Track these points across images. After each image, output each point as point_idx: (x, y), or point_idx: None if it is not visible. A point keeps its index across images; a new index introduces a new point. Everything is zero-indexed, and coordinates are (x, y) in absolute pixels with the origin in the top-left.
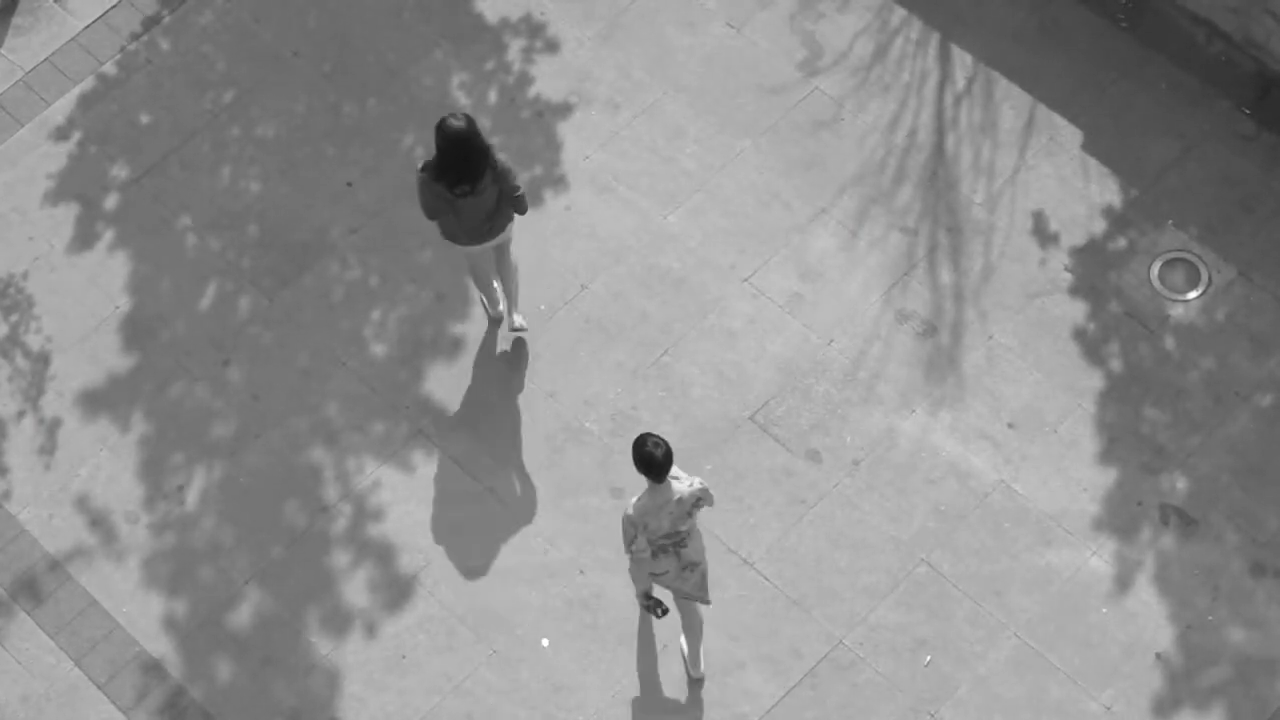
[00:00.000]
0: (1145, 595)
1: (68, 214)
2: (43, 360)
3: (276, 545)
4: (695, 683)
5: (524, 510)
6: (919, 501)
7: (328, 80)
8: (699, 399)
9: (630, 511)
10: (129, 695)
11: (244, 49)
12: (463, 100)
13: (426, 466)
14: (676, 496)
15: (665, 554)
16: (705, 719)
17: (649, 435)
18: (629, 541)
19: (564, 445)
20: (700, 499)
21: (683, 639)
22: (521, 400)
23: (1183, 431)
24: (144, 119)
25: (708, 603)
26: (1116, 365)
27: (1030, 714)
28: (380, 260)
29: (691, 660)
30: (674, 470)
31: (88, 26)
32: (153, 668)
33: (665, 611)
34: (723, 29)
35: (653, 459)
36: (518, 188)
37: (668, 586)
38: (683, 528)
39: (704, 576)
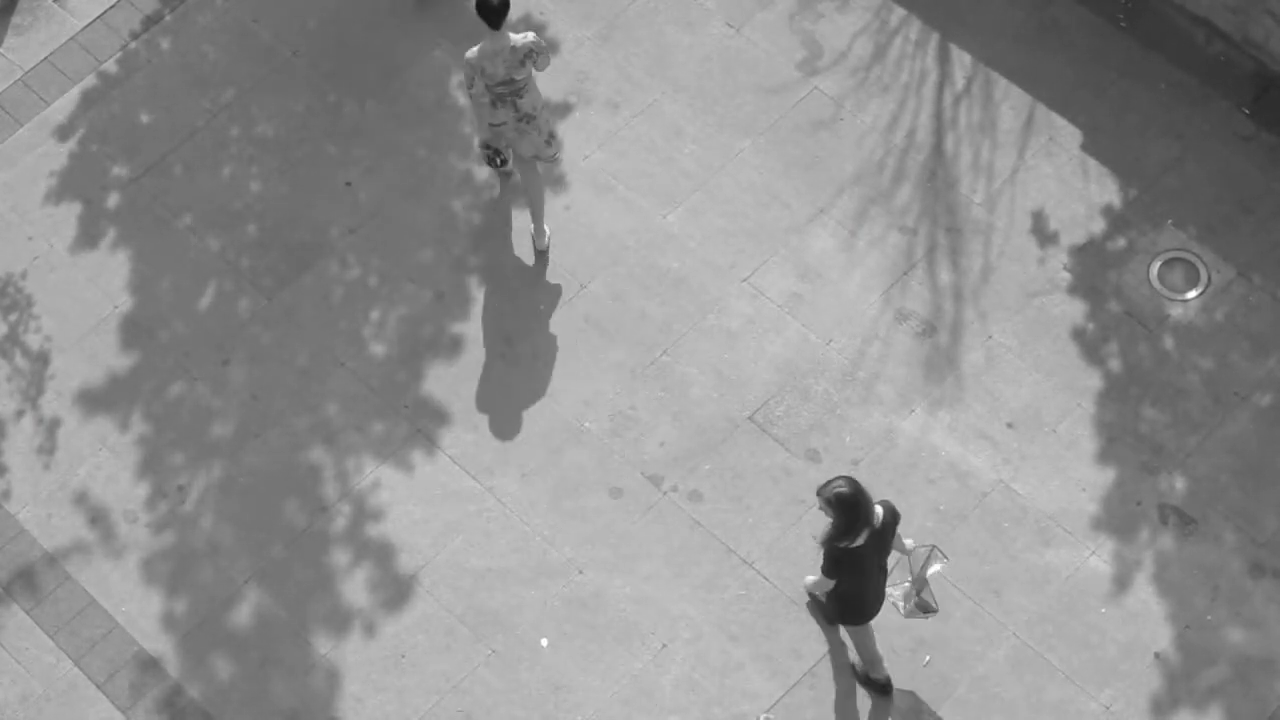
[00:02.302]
0: (1144, 595)
1: (67, 214)
2: (42, 360)
3: (276, 545)
4: (541, 255)
5: (523, 510)
6: (918, 501)
7: (328, 80)
8: (698, 399)
9: (471, 55)
10: (128, 694)
11: (244, 49)
12: (462, 100)
13: (425, 466)
14: (511, 44)
15: (503, 103)
16: (705, 719)
17: None
18: (469, 84)
19: (563, 445)
20: (533, 49)
21: (530, 223)
22: (521, 400)
23: (1182, 431)
24: (144, 118)
25: (553, 161)
26: (1115, 365)
27: (1029, 714)
28: (380, 260)
29: (537, 232)
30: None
31: (87, 26)
32: (152, 667)
33: (504, 161)
34: (722, 29)
35: (489, 5)
36: None
37: (511, 146)
38: (518, 76)
39: (542, 134)
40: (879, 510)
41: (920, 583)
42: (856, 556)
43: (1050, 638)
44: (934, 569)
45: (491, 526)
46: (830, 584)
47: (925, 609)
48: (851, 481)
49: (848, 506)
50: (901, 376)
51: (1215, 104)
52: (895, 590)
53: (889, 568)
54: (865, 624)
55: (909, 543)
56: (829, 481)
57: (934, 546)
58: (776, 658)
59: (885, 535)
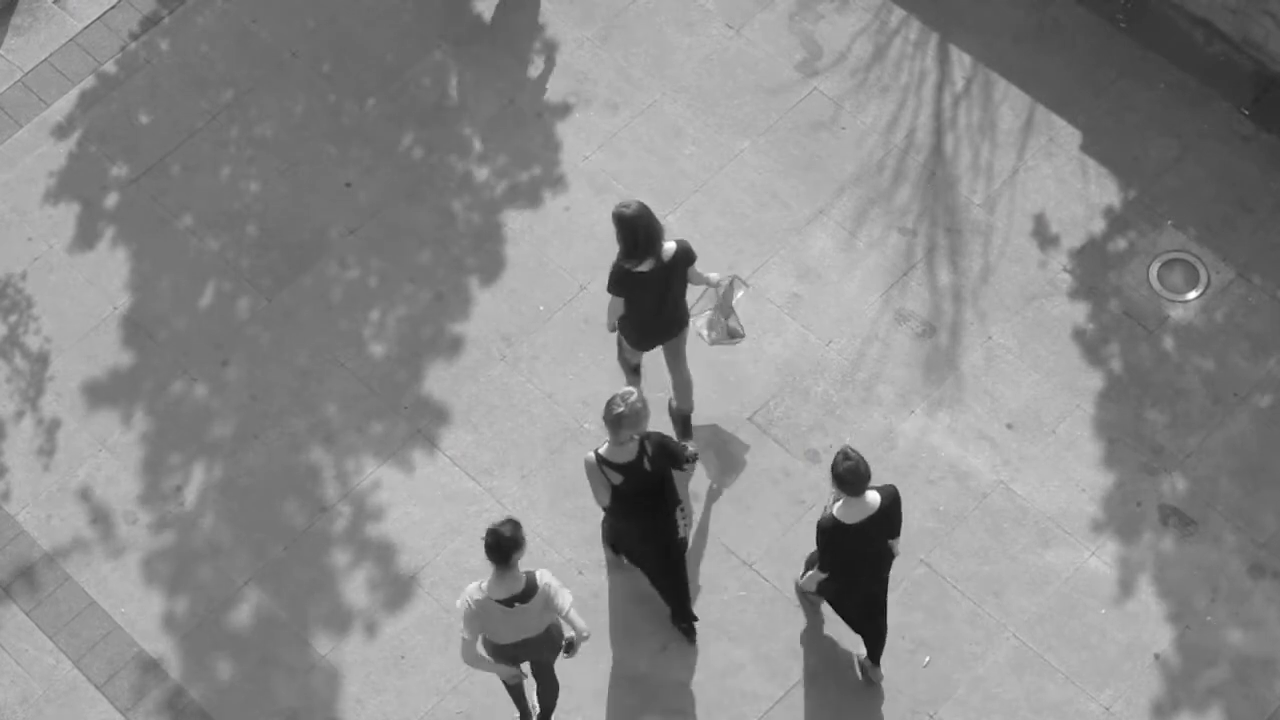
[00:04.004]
0: (1144, 596)
1: (67, 214)
2: (41, 360)
3: (275, 545)
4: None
5: (523, 510)
6: (918, 502)
7: (327, 80)
8: (698, 400)
9: None
10: (128, 696)
11: (243, 49)
12: (461, 100)
13: (425, 467)
14: None
15: None
16: (705, 719)
17: None
18: None
19: (563, 445)
20: None
21: None
22: (520, 400)
23: (1181, 432)
24: (143, 119)
25: None
26: (1115, 366)
27: (1029, 714)
28: (379, 260)
29: None
30: None
31: (87, 27)
32: (151, 668)
33: None
34: (721, 30)
35: None
36: None
37: None
38: None
39: None
40: (671, 246)
41: (726, 310)
42: (638, 281)
43: (1050, 638)
44: (738, 295)
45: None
46: (620, 307)
47: (733, 334)
48: (642, 206)
49: (626, 226)
50: (901, 377)
51: (1215, 104)
52: (700, 319)
53: (690, 303)
54: (645, 351)
55: (713, 276)
56: (624, 201)
57: (735, 276)
58: (776, 658)
59: (673, 270)
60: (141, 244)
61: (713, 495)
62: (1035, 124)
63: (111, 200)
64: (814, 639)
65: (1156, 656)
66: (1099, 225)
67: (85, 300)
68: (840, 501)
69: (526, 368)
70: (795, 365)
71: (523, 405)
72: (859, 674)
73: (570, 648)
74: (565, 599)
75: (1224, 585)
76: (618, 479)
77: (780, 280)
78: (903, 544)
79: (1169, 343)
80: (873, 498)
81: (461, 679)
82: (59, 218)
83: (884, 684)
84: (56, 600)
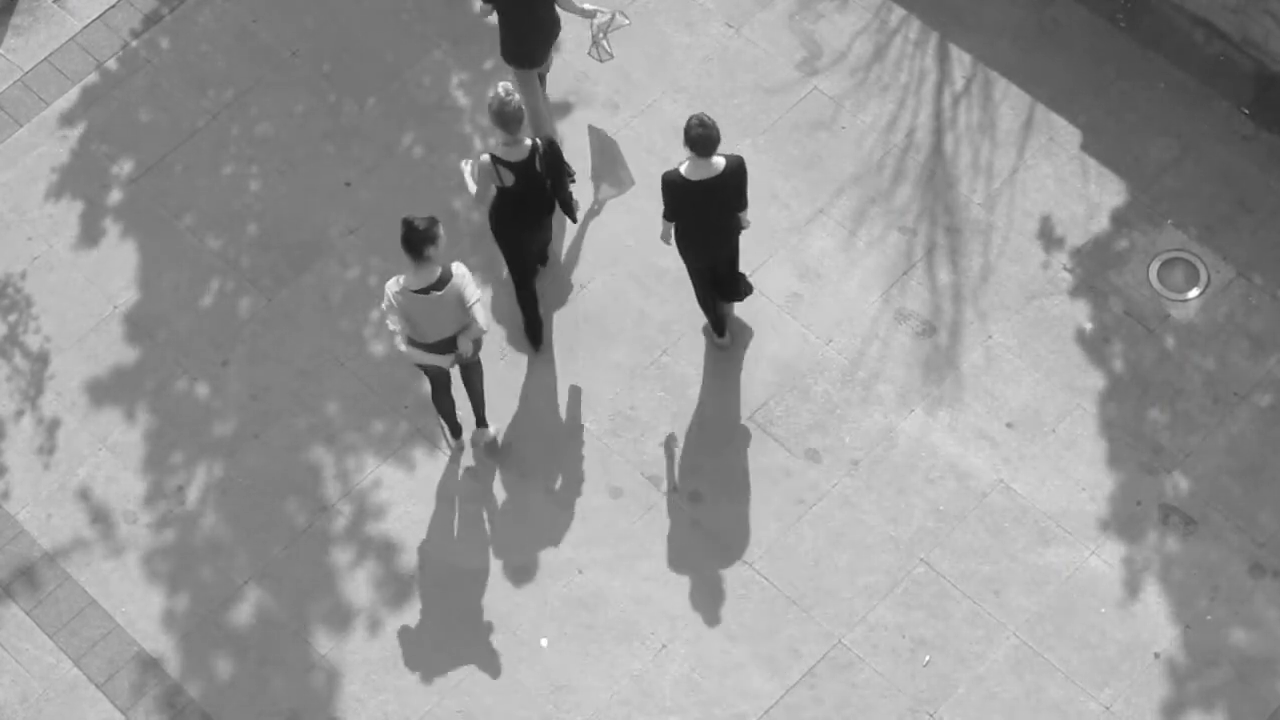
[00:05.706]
0: (1144, 595)
1: (67, 214)
2: (41, 360)
3: (275, 545)
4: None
5: (522, 510)
6: (918, 501)
7: (327, 80)
8: (698, 399)
9: None
10: (128, 695)
11: (243, 48)
12: (462, 100)
13: (425, 466)
14: None
15: None
16: (705, 719)
17: None
18: None
19: (563, 445)
20: None
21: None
22: (520, 400)
23: (1182, 431)
24: (143, 118)
25: None
26: (1116, 365)
27: (1029, 714)
28: (379, 260)
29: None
30: None
31: (87, 26)
32: (151, 667)
33: None
34: (721, 29)
35: None
36: None
37: None
38: None
39: None
40: None
41: (601, 33)
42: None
43: (1050, 638)
44: (622, 24)
45: (491, 527)
46: (491, 10)
47: (601, 55)
48: None
49: None
50: (901, 376)
51: (1215, 104)
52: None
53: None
54: (526, 73)
55: (588, 6)
56: None
57: (618, 11)
58: (776, 658)
59: None
60: (142, 243)
61: (713, 494)
62: (1035, 124)
63: (112, 199)
64: (814, 639)
65: (1157, 656)
66: (1099, 225)
67: (85, 300)
68: (688, 161)
69: (526, 366)
70: (795, 364)
71: (522, 404)
72: (713, 339)
73: (467, 336)
74: (473, 292)
75: (1224, 585)
76: (510, 178)
77: (780, 280)
78: (903, 544)
79: (1169, 342)
80: (718, 161)
81: (462, 678)
82: (59, 217)
83: (885, 683)
84: (56, 600)
